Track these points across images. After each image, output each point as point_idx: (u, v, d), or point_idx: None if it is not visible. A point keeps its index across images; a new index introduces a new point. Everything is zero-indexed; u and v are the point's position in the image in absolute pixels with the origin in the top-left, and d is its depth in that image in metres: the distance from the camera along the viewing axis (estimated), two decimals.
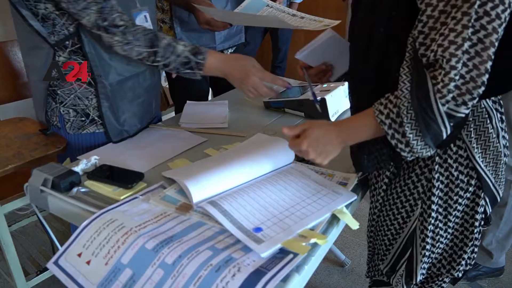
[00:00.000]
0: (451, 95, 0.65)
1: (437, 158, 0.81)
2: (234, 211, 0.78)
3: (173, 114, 2.04)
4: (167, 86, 2.20)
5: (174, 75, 1.59)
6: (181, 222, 0.77)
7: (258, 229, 0.74)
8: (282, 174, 0.94)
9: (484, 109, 0.79)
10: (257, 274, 0.62)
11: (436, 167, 0.81)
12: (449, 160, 0.81)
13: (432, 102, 0.67)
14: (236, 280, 0.61)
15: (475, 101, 0.66)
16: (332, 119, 1.31)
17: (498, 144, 0.82)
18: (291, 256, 0.68)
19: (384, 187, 0.92)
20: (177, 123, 1.29)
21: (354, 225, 0.79)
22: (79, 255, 0.72)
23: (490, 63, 0.64)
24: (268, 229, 0.74)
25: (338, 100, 1.34)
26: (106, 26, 0.96)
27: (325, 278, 1.76)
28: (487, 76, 0.65)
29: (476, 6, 0.63)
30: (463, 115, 0.68)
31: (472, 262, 0.92)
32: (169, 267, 0.65)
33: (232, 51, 1.71)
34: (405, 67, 0.72)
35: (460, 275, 0.92)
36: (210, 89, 1.84)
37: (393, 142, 0.73)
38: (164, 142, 1.15)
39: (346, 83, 1.43)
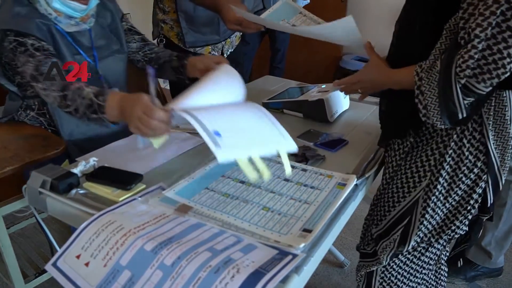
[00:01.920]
0: (470, 71, 0.72)
1: (454, 136, 0.88)
2: (201, 115, 0.80)
3: None
4: (166, 87, 2.20)
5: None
6: (180, 224, 0.77)
7: (217, 133, 0.77)
8: (248, 105, 0.99)
9: (505, 98, 0.87)
10: (256, 275, 0.62)
11: (452, 144, 0.89)
12: (463, 140, 0.88)
13: (452, 74, 0.74)
14: (235, 281, 0.61)
15: (494, 81, 0.73)
16: (331, 120, 1.31)
17: (510, 131, 0.90)
18: (290, 257, 0.68)
19: (398, 157, 1.00)
20: (176, 125, 1.29)
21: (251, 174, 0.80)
22: (78, 257, 0.72)
23: None
24: (226, 138, 0.77)
25: (336, 101, 1.34)
26: (36, 75, 1.05)
27: (324, 279, 1.76)
28: (509, 60, 0.70)
29: None
30: (482, 92, 0.75)
31: (457, 236, 1.01)
32: (168, 268, 0.65)
33: (232, 50, 1.71)
34: (439, 46, 0.81)
35: (445, 243, 1.05)
36: None
37: (416, 100, 0.82)
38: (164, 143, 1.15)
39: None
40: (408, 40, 0.91)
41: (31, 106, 1.26)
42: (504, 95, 0.87)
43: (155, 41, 1.62)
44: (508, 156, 0.93)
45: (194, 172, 0.97)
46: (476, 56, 0.71)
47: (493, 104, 0.87)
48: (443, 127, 0.83)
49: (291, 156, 1.07)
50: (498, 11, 0.68)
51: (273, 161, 1.03)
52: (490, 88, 0.75)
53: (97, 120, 0.98)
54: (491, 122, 0.87)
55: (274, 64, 3.19)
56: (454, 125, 0.84)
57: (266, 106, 1.43)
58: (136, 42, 1.37)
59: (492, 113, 0.87)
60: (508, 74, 0.72)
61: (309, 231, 0.76)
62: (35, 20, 1.10)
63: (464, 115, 0.78)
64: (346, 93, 1.22)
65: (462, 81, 0.74)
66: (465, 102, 0.77)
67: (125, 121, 0.91)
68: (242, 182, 0.93)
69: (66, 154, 1.17)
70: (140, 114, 0.84)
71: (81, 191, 0.90)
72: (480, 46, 0.71)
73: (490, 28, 0.69)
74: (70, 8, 1.13)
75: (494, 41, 0.70)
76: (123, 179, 0.91)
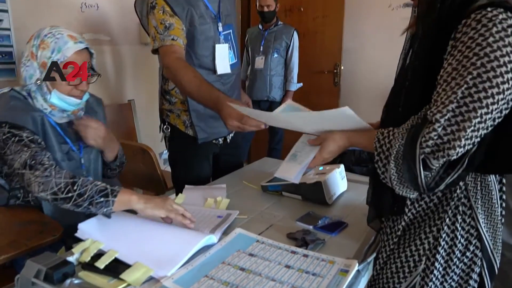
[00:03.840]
0: (431, 142, 0.77)
1: (447, 219, 0.87)
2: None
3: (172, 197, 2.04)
4: (167, 169, 2.24)
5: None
6: None
7: None
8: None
9: (490, 182, 0.88)
10: None
11: (445, 227, 0.87)
12: (456, 223, 0.87)
13: (416, 143, 0.79)
14: None
15: (444, 159, 0.78)
16: (329, 202, 1.32)
17: (498, 214, 0.90)
18: None
19: (391, 241, 0.97)
20: None
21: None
22: None
23: (468, 132, 0.75)
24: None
25: (334, 183, 1.36)
26: (33, 164, 1.09)
27: None
28: (463, 142, 0.75)
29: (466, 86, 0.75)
30: (434, 168, 0.80)
31: None
32: None
33: (233, 135, 1.76)
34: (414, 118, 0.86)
35: None
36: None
37: (376, 166, 0.87)
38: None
39: (342, 166, 1.47)
40: (392, 123, 0.93)
41: (17, 195, 1.27)
42: (489, 179, 0.88)
43: (160, 133, 1.69)
44: (499, 238, 0.92)
45: (195, 259, 0.95)
46: (435, 136, 0.77)
47: (479, 188, 0.87)
48: (410, 195, 0.86)
49: (292, 240, 1.06)
50: (458, 95, 0.76)
51: (273, 246, 1.02)
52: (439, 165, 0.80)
53: (101, 204, 1.05)
54: (479, 206, 0.87)
55: (272, 145, 3.27)
56: (429, 191, 0.86)
57: (265, 189, 1.45)
58: None
59: (479, 197, 0.87)
60: (459, 155, 0.77)
61: None
62: (30, 113, 1.18)
63: (424, 185, 0.82)
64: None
65: (422, 152, 0.79)
66: (424, 174, 0.81)
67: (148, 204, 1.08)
68: (243, 269, 0.91)
69: (62, 240, 1.16)
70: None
71: (76, 281, 0.87)
72: (439, 129, 0.77)
73: (448, 115, 0.76)
74: (66, 102, 1.21)
75: (448, 123, 0.76)
76: (119, 269, 0.89)
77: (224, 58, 1.59)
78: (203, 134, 1.60)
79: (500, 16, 0.75)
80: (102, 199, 1.05)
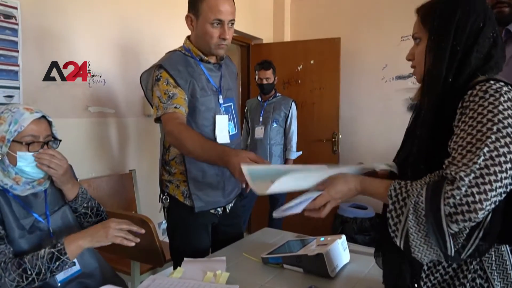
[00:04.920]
0: (452, 201, 0.77)
1: None
2: None
3: (170, 269, 1.98)
4: (165, 239, 2.19)
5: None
6: None
7: None
8: None
9: (504, 252, 0.87)
10: None
11: None
12: None
13: (440, 199, 0.78)
14: None
15: (466, 224, 0.77)
16: (332, 275, 1.28)
17: None
18: None
19: None
20: None
21: None
22: None
23: (489, 196, 0.75)
24: None
25: (336, 255, 1.33)
26: None
27: None
28: (484, 205, 0.75)
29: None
30: (452, 232, 0.78)
31: None
32: None
33: (232, 205, 1.75)
34: (430, 175, 0.86)
35: None
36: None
37: (388, 215, 0.85)
38: None
39: (343, 237, 1.45)
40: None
41: None
42: (503, 249, 0.87)
43: (160, 204, 1.68)
44: None
45: None
46: (458, 196, 0.77)
47: (493, 258, 0.86)
48: (424, 260, 0.83)
49: None
50: (477, 164, 0.77)
51: None
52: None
53: (61, 266, 1.12)
54: (495, 277, 0.86)
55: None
56: (445, 257, 0.82)
57: (266, 261, 1.41)
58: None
59: (494, 268, 0.86)
60: (480, 218, 0.77)
61: None
62: None
63: (452, 246, 0.79)
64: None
65: (446, 212, 0.78)
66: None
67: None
68: None
69: None
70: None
71: None
72: (463, 188, 0.76)
73: (471, 175, 0.77)
74: (32, 169, 1.20)
75: (470, 184, 0.76)
76: None
77: (224, 129, 1.64)
78: (200, 203, 1.59)
79: (504, 88, 0.82)
80: (57, 263, 1.11)
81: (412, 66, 1.00)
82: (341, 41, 3.63)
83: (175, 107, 1.46)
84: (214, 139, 1.61)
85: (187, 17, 1.57)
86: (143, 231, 1.22)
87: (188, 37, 1.62)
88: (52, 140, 1.28)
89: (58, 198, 1.33)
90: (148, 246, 1.98)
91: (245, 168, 1.10)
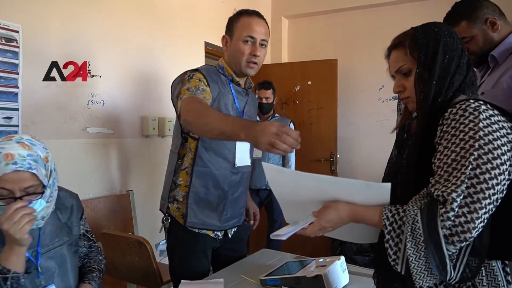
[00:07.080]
0: (448, 223, 0.79)
1: None
2: None
3: None
4: (162, 261, 2.16)
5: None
6: None
7: None
8: None
9: (495, 267, 0.87)
10: None
11: None
12: None
13: (437, 224, 0.79)
14: None
15: (462, 244, 0.79)
16: None
17: None
18: None
19: None
20: None
21: None
22: None
23: (480, 214, 0.78)
24: None
25: (335, 276, 1.32)
26: None
27: None
28: (477, 224, 0.78)
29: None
30: (450, 253, 0.80)
31: None
32: None
33: (235, 230, 1.72)
34: (418, 196, 0.88)
35: None
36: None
37: (386, 245, 0.86)
38: None
39: (343, 258, 1.44)
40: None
41: None
42: (493, 264, 0.87)
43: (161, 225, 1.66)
44: None
45: None
46: (452, 216, 0.79)
47: (484, 274, 0.87)
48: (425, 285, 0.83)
49: None
50: (464, 183, 0.80)
51: None
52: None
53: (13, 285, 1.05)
54: None
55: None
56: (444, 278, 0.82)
57: (264, 283, 1.39)
58: (83, 248, 1.39)
59: (485, 284, 0.86)
60: (474, 237, 0.79)
61: None
62: None
63: (451, 269, 0.81)
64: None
65: (443, 232, 0.80)
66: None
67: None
68: None
69: None
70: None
71: None
72: (456, 209, 0.79)
73: (462, 195, 0.79)
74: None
75: (460, 204, 0.79)
76: None
77: (245, 151, 1.65)
78: (193, 218, 1.54)
79: (483, 107, 0.85)
80: (7, 283, 1.04)
81: (404, 97, 1.02)
82: (338, 62, 3.69)
83: (204, 97, 1.42)
84: (233, 161, 1.58)
85: (223, 38, 1.63)
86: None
87: (223, 58, 1.65)
88: (34, 193, 1.11)
89: (61, 234, 1.27)
90: (145, 268, 1.96)
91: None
